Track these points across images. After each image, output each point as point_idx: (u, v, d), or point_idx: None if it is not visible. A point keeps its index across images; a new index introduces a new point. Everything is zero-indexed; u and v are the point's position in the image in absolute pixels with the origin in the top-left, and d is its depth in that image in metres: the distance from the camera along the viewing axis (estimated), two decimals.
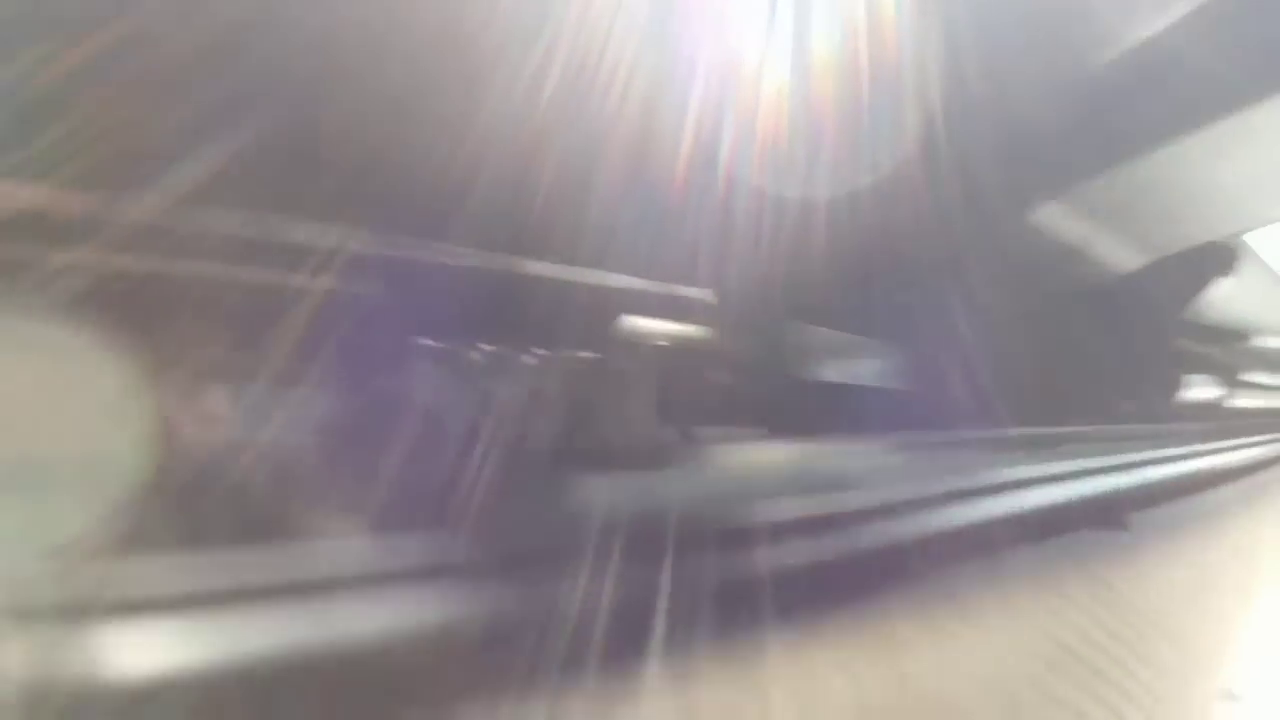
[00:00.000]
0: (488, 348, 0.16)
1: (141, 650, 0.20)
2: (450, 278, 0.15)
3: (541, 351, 0.17)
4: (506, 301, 0.16)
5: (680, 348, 0.18)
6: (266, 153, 0.17)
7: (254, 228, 0.18)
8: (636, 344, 0.18)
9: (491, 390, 0.16)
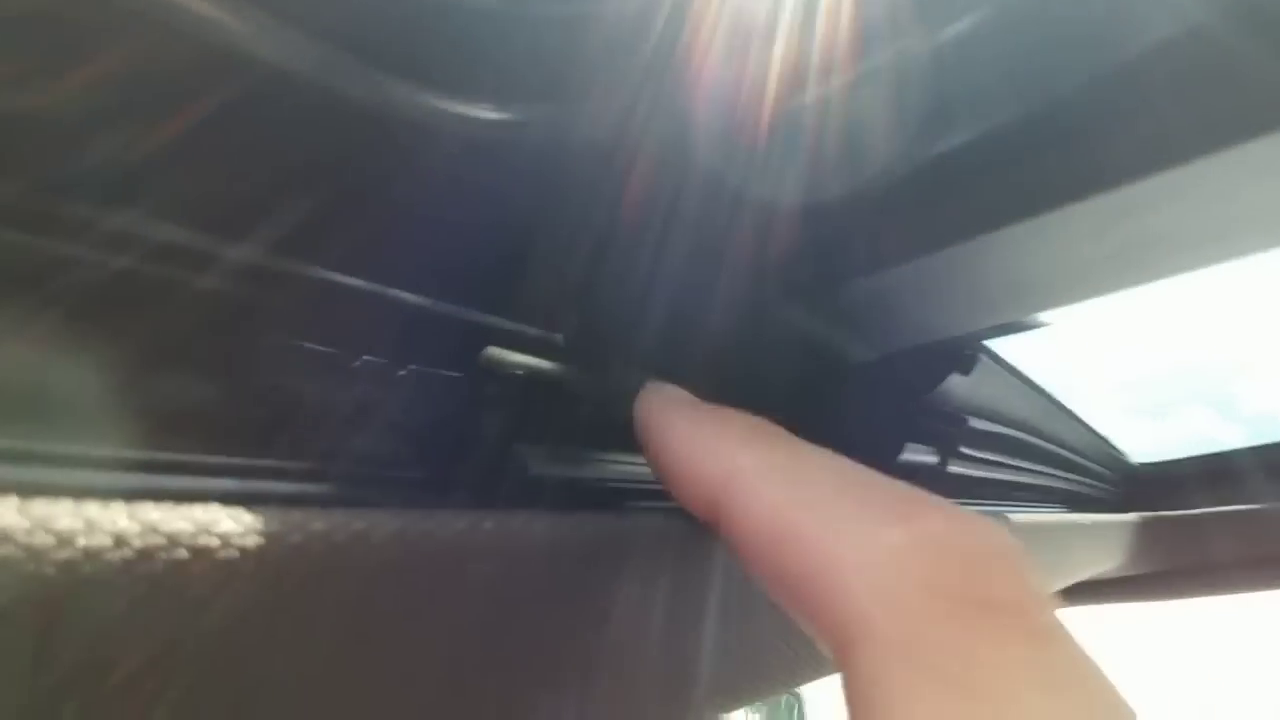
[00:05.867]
0: (367, 358, 0.18)
1: None
2: (339, 296, 0.17)
3: (413, 367, 0.19)
4: (387, 323, 0.18)
5: (533, 380, 0.21)
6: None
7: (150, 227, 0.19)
8: (495, 372, 0.20)
9: (365, 395, 0.17)
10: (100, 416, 0.13)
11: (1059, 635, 0.11)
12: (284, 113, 0.15)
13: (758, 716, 1.83)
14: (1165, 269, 0.28)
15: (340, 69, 0.15)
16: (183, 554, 0.11)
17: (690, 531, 0.20)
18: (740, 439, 0.15)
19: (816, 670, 0.33)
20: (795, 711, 1.75)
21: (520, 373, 0.27)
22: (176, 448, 0.14)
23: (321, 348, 0.20)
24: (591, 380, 0.28)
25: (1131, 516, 0.80)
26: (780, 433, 0.16)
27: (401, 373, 0.25)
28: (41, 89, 0.12)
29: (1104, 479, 0.82)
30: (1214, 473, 0.90)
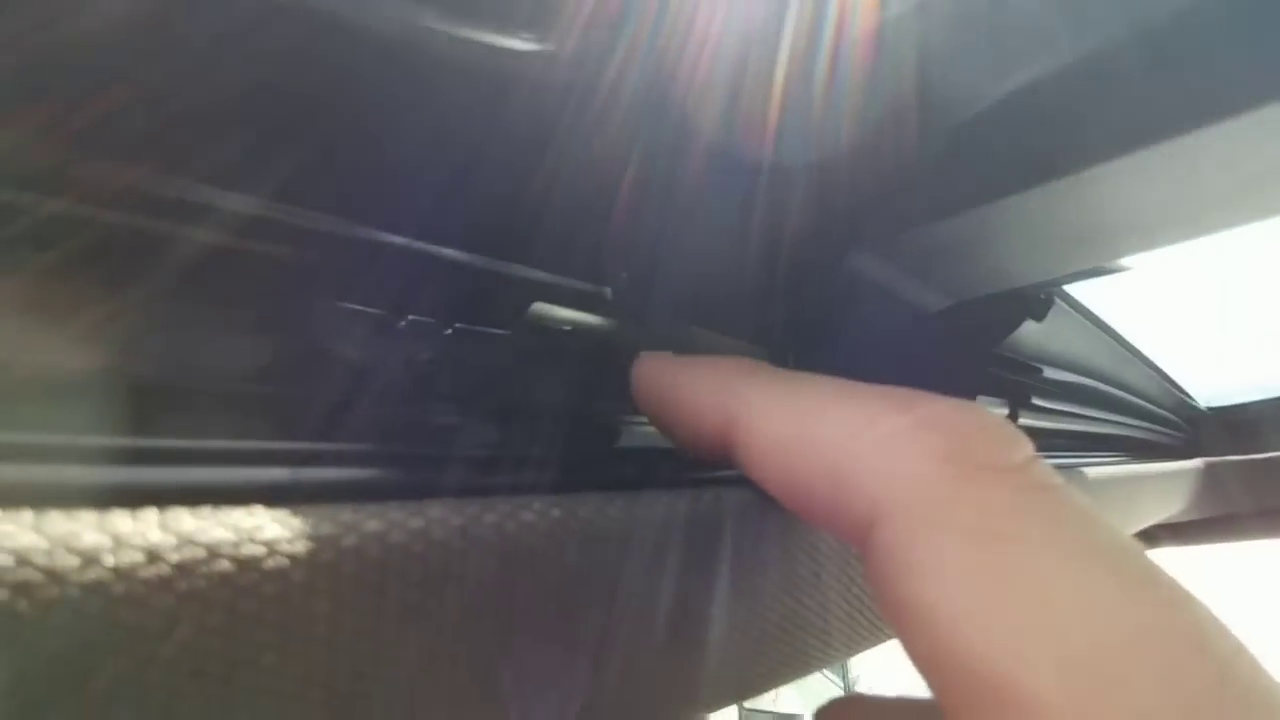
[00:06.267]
0: (413, 317, 0.17)
1: None
2: (381, 254, 0.16)
3: (459, 325, 0.18)
4: (431, 281, 0.17)
5: (583, 335, 0.20)
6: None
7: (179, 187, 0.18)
8: (543, 328, 0.19)
9: (412, 354, 0.17)
10: (124, 399, 0.11)
11: (1061, 487, 0.12)
12: (315, 54, 0.13)
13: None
14: (1249, 214, 0.26)
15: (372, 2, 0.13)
16: (225, 565, 0.10)
17: (756, 505, 0.19)
18: (736, 374, 0.16)
19: (861, 645, 0.32)
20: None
21: (568, 328, 0.26)
22: (216, 432, 0.12)
23: (366, 308, 0.18)
24: (642, 335, 0.27)
25: (1198, 463, 0.77)
26: (772, 367, 0.17)
27: (448, 332, 0.24)
28: (65, 29, 0.10)
29: (1173, 425, 0.79)
30: None
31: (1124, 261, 0.36)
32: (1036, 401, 0.44)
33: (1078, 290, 0.53)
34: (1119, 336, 0.59)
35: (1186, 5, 0.18)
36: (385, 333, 0.21)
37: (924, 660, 0.11)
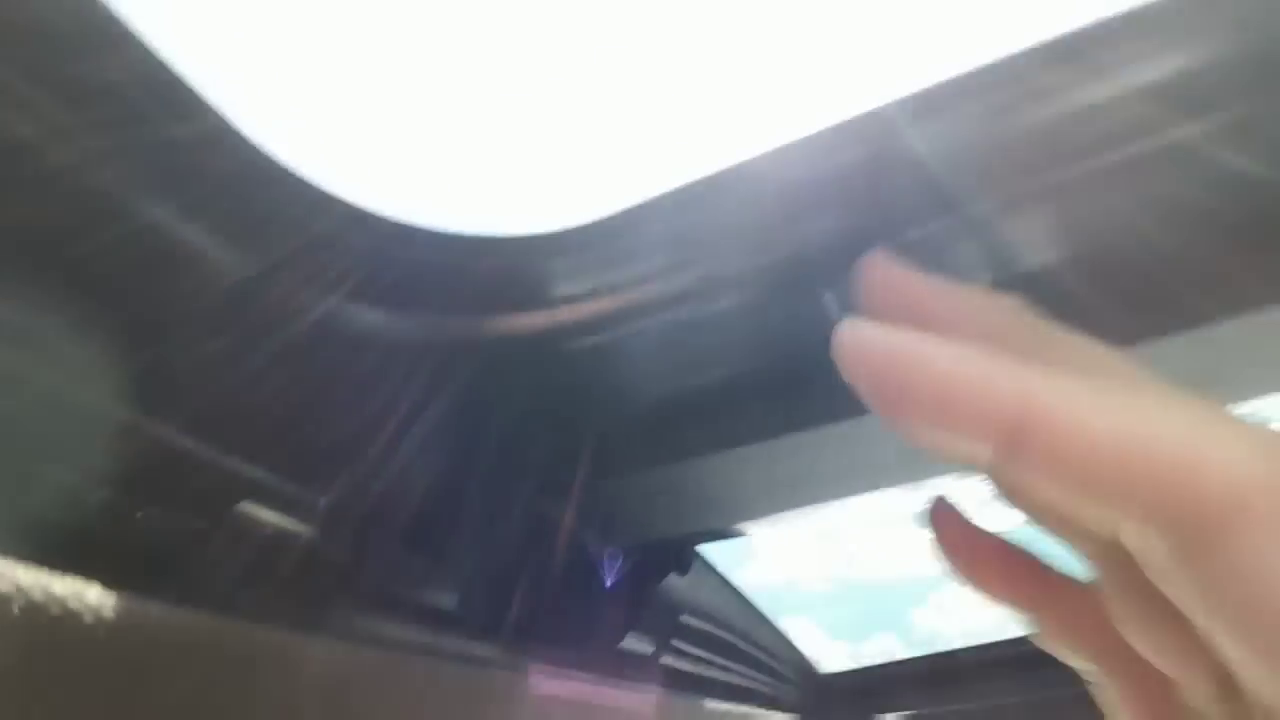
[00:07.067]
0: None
1: None
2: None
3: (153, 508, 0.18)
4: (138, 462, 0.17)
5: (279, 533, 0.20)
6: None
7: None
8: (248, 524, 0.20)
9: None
10: None
11: None
12: None
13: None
14: (820, 498, 0.36)
15: None
16: None
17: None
18: (1021, 348, 0.15)
19: None
20: None
21: (269, 531, 0.26)
22: None
23: None
24: (345, 548, 0.29)
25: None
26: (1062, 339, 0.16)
27: (139, 514, 0.24)
28: None
29: (794, 683, 0.92)
30: (889, 680, 1.05)
31: (747, 527, 0.47)
32: (676, 643, 0.51)
33: (718, 556, 0.65)
34: (750, 602, 0.72)
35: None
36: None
37: (1259, 651, 0.11)
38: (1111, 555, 0.15)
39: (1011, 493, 0.16)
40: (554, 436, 0.32)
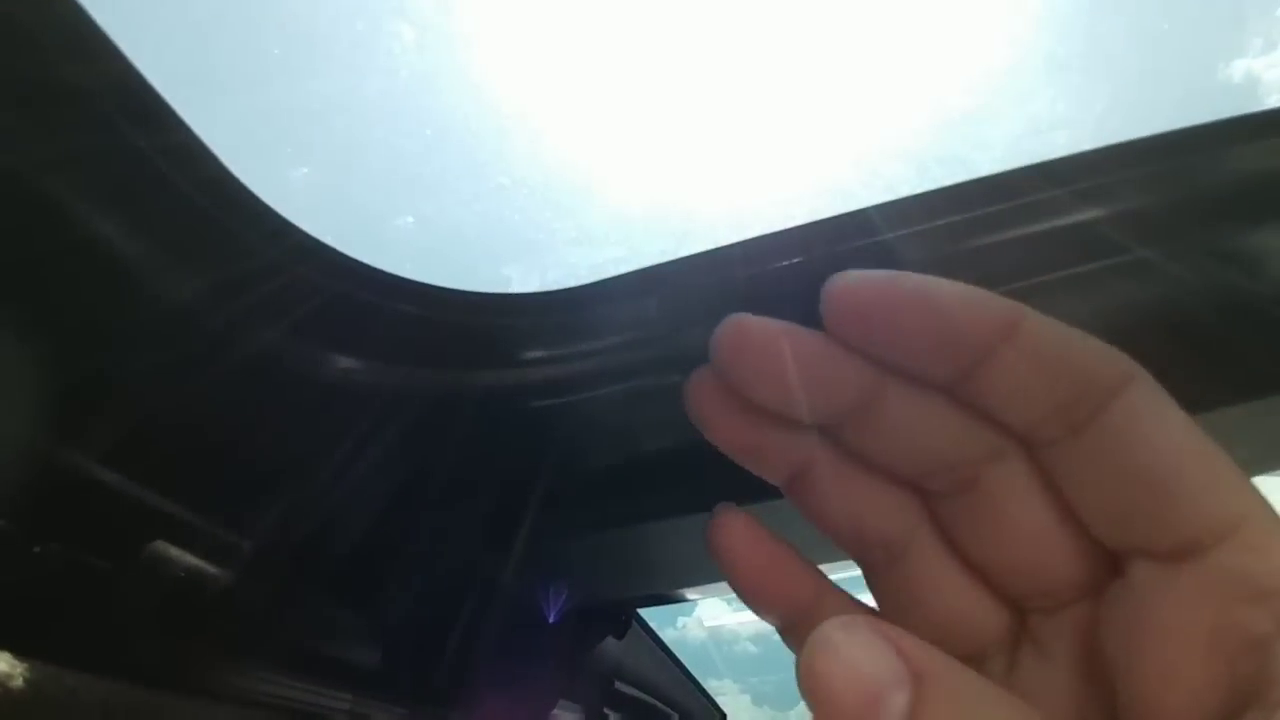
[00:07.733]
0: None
1: None
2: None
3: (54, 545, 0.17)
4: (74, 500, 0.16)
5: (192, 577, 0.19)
6: None
7: None
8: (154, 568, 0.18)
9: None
10: None
11: None
12: None
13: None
14: None
15: None
16: None
17: None
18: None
19: None
20: None
21: (182, 574, 0.25)
22: None
23: None
24: (266, 596, 0.27)
25: None
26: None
27: (37, 549, 0.22)
28: None
29: None
30: None
31: (687, 593, 0.47)
32: (606, 711, 0.49)
33: (655, 623, 0.63)
34: (683, 667, 0.70)
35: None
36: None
37: (1147, 493, 0.14)
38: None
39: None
40: (500, 494, 0.31)
